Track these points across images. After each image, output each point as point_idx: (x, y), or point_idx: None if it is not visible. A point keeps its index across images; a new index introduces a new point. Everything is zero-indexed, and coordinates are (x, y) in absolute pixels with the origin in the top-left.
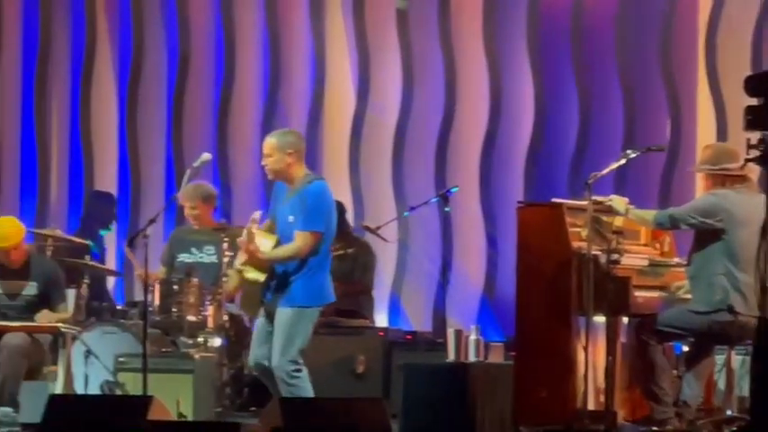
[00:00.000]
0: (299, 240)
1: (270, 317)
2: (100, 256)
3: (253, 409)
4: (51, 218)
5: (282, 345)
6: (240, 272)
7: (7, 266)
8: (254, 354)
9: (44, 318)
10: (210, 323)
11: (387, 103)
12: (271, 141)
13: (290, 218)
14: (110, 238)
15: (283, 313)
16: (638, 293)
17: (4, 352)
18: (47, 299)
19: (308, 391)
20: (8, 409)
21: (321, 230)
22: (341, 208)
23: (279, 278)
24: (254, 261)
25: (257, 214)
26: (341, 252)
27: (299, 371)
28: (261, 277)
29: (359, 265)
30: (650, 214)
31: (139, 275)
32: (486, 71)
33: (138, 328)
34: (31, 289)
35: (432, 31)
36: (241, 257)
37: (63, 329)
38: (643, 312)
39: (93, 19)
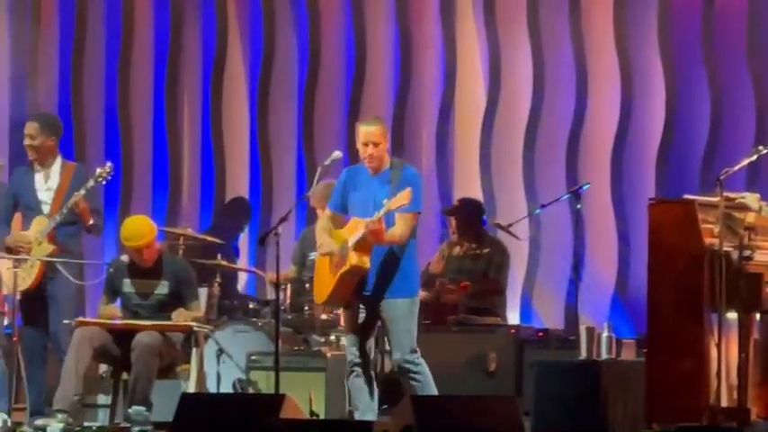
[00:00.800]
0: (405, 222)
1: (372, 310)
2: (230, 255)
3: (384, 407)
4: (183, 217)
5: (406, 337)
6: (351, 257)
7: (139, 265)
8: (357, 349)
9: (180, 316)
10: (342, 321)
11: (517, 101)
12: (379, 129)
13: (385, 201)
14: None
15: (400, 304)
16: None
17: (136, 351)
18: (179, 298)
19: (432, 380)
20: (141, 408)
21: (420, 211)
22: (480, 207)
23: (383, 268)
24: (361, 248)
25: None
26: (476, 251)
27: (420, 359)
28: (368, 262)
29: (493, 264)
30: None
31: (270, 280)
32: (617, 68)
33: (270, 327)
34: (162, 288)
35: (563, 28)
36: (350, 240)
37: (196, 328)
38: None
39: (225, 19)
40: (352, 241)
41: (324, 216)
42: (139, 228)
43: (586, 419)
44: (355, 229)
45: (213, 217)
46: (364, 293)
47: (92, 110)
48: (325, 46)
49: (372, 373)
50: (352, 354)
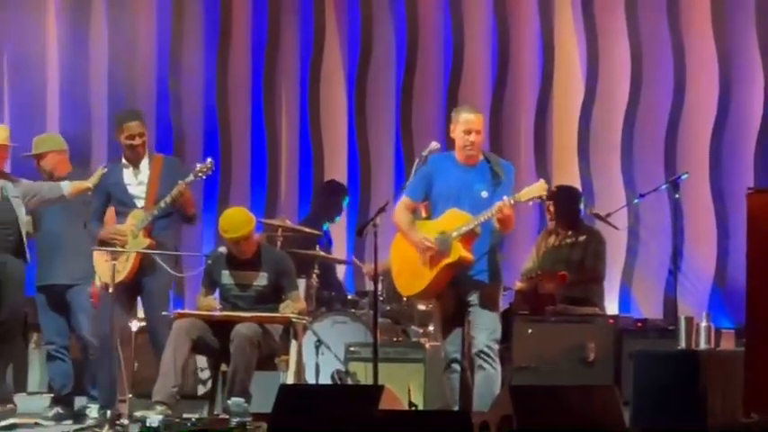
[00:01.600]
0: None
1: (460, 299)
2: (327, 245)
3: None
4: (281, 209)
5: (494, 322)
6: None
7: (238, 257)
8: (456, 345)
9: (288, 308)
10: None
11: (615, 90)
12: (480, 118)
13: (484, 194)
14: (339, 227)
15: (491, 289)
16: None
17: (235, 342)
18: (278, 289)
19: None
20: (240, 400)
21: None
22: (577, 195)
23: (478, 255)
24: (467, 240)
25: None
26: (572, 240)
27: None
28: (471, 257)
29: (590, 253)
30: None
31: (368, 273)
32: (714, 57)
33: (369, 318)
34: (261, 279)
35: (660, 18)
36: (454, 232)
37: (294, 320)
38: None
39: (322, 9)
40: (456, 233)
41: (401, 205)
42: (238, 219)
43: (685, 409)
44: (455, 220)
45: (310, 204)
46: (454, 283)
47: (191, 104)
48: (422, 36)
49: (464, 364)
50: (452, 349)
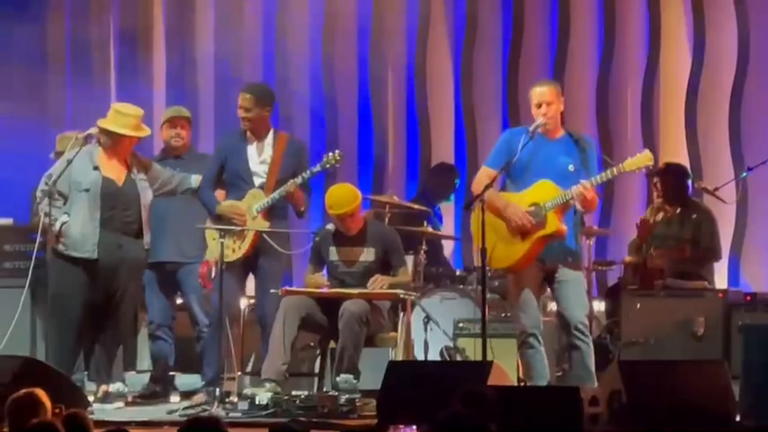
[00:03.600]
0: (594, 193)
1: (545, 272)
2: (435, 223)
3: (558, 373)
4: (389, 184)
5: (583, 297)
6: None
7: (345, 233)
8: (537, 318)
9: (377, 282)
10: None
11: (722, 63)
12: (550, 89)
13: (571, 167)
14: (447, 203)
15: (579, 264)
16: None
17: (343, 319)
18: (386, 264)
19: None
20: (349, 376)
21: None
22: (685, 172)
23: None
24: (560, 211)
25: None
26: (681, 217)
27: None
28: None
29: (705, 232)
30: None
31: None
32: None
33: (477, 294)
34: (369, 255)
35: None
36: (547, 204)
37: (402, 296)
38: None
39: None
40: (551, 203)
41: (484, 176)
42: (344, 195)
43: None
44: (546, 192)
45: (419, 184)
46: (541, 259)
47: (297, 80)
48: (528, 13)
49: (542, 340)
50: (530, 323)
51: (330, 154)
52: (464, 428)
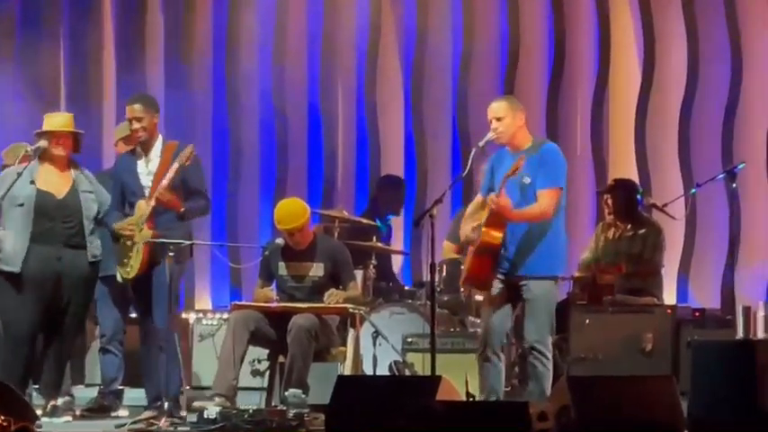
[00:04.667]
0: (545, 199)
1: (511, 288)
2: (387, 237)
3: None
4: (338, 199)
5: (545, 319)
6: (482, 233)
7: (293, 248)
8: (491, 331)
9: (332, 297)
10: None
11: (672, 80)
12: (502, 105)
13: (527, 179)
14: (396, 218)
15: (543, 284)
16: None
17: (292, 333)
18: (335, 279)
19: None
20: (297, 391)
21: (562, 186)
22: (635, 188)
23: (526, 245)
24: (493, 223)
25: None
26: (632, 233)
27: (550, 347)
28: (499, 239)
29: (649, 245)
30: None
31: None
32: None
33: (426, 309)
34: (318, 270)
35: (717, 8)
36: (482, 216)
37: (351, 310)
38: None
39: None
40: (484, 218)
41: (474, 202)
42: (292, 210)
43: (743, 399)
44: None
45: (369, 199)
46: (502, 271)
47: (248, 94)
48: (478, 26)
49: (502, 355)
50: (484, 335)
51: (185, 149)
52: None
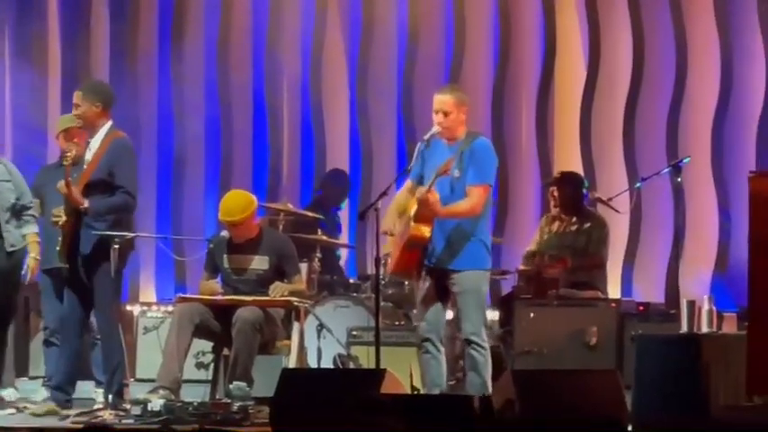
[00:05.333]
0: (475, 195)
1: (440, 282)
2: (336, 231)
3: (452, 382)
4: (283, 192)
5: (476, 312)
6: (411, 227)
7: (238, 241)
8: (434, 325)
9: (277, 290)
10: None
11: (617, 74)
12: (450, 98)
13: (456, 173)
14: (341, 212)
15: (472, 276)
16: None
17: (236, 326)
18: (280, 272)
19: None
20: (242, 384)
21: (491, 183)
22: (581, 182)
23: (454, 239)
24: (422, 217)
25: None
26: (577, 226)
27: (486, 339)
28: (428, 232)
29: (593, 239)
30: None
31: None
32: (717, 40)
33: (371, 302)
34: (262, 263)
35: (662, 1)
36: (411, 210)
37: (296, 303)
38: None
39: None
40: (412, 211)
41: (403, 188)
42: (236, 203)
43: (687, 393)
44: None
45: (314, 192)
46: (429, 265)
47: (192, 86)
48: (424, 21)
49: (442, 347)
50: (425, 328)
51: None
52: None
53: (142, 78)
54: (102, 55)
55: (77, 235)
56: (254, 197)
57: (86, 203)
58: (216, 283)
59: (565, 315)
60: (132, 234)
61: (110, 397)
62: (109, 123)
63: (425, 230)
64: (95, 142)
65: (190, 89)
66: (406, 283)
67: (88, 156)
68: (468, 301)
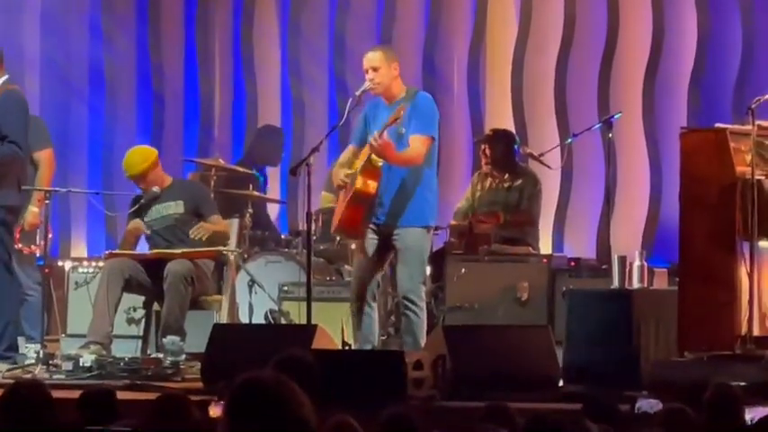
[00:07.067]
0: (417, 143)
1: (383, 240)
2: (261, 186)
3: (384, 337)
4: (215, 148)
5: (417, 268)
6: (357, 181)
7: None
8: (363, 281)
9: (200, 230)
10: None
11: (548, 30)
12: (378, 55)
13: (402, 129)
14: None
15: (414, 233)
16: None
17: (168, 279)
18: (198, 215)
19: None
20: (175, 338)
21: (435, 136)
22: (512, 138)
23: (399, 196)
24: (368, 172)
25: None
26: (509, 183)
27: (423, 297)
28: (373, 188)
29: (525, 195)
30: None
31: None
32: None
33: (302, 257)
34: (178, 207)
35: None
36: (356, 165)
37: (224, 252)
38: None
39: None
40: (360, 166)
41: (346, 152)
42: (133, 158)
43: (619, 348)
44: (363, 155)
45: (245, 147)
46: (375, 222)
47: (129, 43)
48: None
49: (374, 305)
50: (355, 284)
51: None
52: None
53: (73, 31)
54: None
55: None
56: (152, 149)
57: None
58: (138, 222)
59: (496, 270)
60: (64, 189)
61: (41, 352)
62: (5, 77)
63: (371, 185)
64: None
65: (122, 44)
66: (338, 239)
67: None
68: (408, 258)
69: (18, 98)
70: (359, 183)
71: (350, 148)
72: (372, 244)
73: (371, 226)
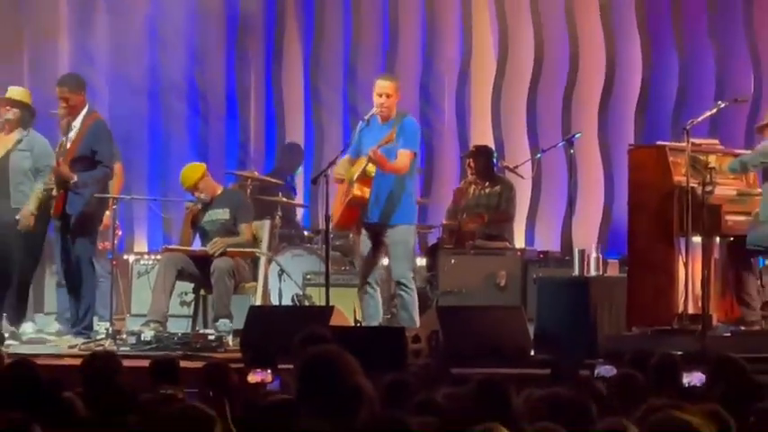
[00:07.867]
0: (403, 157)
1: (376, 236)
2: (289, 193)
3: (387, 316)
4: (251, 162)
5: (407, 257)
6: (354, 188)
7: (205, 201)
8: (363, 269)
9: (216, 245)
10: None
11: (521, 66)
12: (392, 84)
13: (394, 143)
14: (298, 177)
15: (403, 229)
16: (728, 218)
17: (215, 275)
18: (236, 220)
19: (416, 304)
20: (226, 320)
21: (417, 152)
22: (492, 153)
23: (388, 199)
24: (363, 181)
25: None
26: (489, 189)
27: (413, 282)
28: (367, 194)
29: (503, 198)
30: (727, 165)
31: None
32: (602, 38)
33: (322, 251)
34: (225, 214)
35: (559, 8)
36: (352, 172)
37: (257, 254)
38: (732, 233)
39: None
40: (356, 174)
41: (343, 161)
42: (187, 172)
43: (579, 324)
44: (358, 166)
45: (275, 162)
46: (368, 222)
47: (170, 72)
48: (364, 16)
49: (378, 288)
50: (364, 273)
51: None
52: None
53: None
54: None
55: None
56: (201, 164)
57: (73, 179)
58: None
59: (480, 261)
60: (128, 197)
61: (110, 329)
62: (87, 107)
63: (366, 191)
64: (75, 125)
65: (167, 73)
66: (351, 236)
67: (71, 135)
68: (398, 251)
69: (106, 127)
70: (356, 189)
71: (346, 157)
72: (366, 242)
73: (364, 224)
